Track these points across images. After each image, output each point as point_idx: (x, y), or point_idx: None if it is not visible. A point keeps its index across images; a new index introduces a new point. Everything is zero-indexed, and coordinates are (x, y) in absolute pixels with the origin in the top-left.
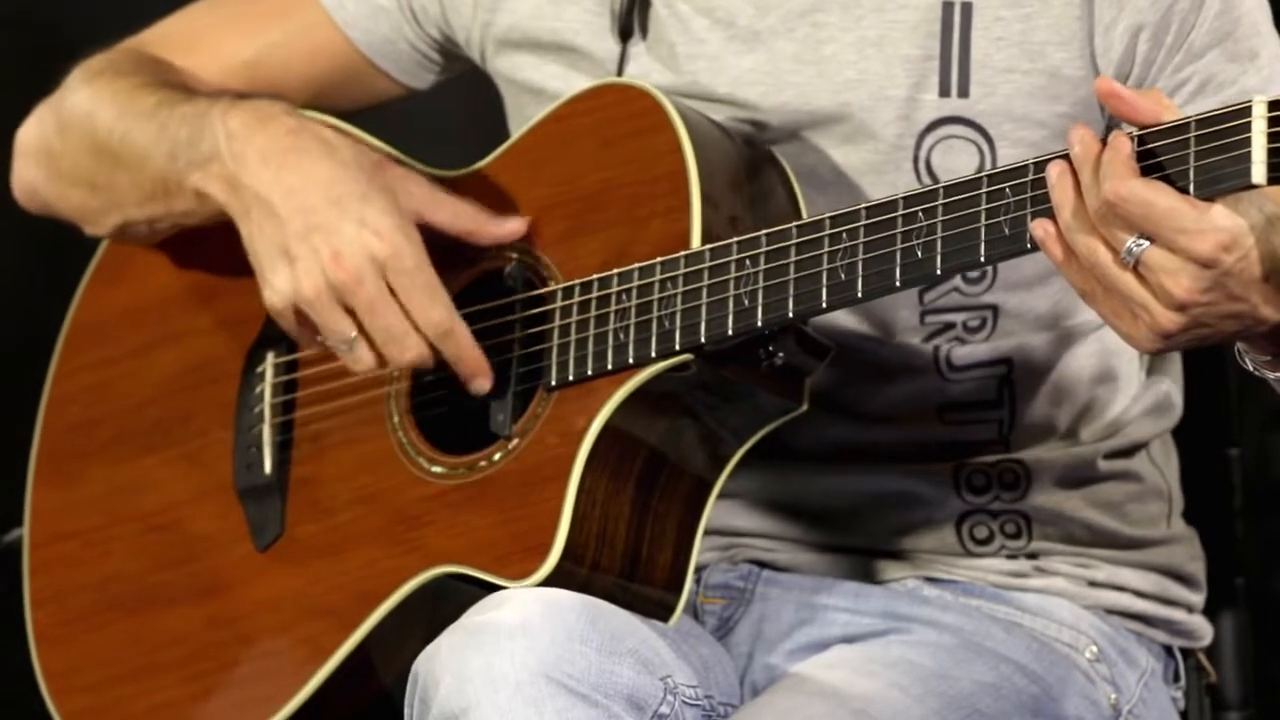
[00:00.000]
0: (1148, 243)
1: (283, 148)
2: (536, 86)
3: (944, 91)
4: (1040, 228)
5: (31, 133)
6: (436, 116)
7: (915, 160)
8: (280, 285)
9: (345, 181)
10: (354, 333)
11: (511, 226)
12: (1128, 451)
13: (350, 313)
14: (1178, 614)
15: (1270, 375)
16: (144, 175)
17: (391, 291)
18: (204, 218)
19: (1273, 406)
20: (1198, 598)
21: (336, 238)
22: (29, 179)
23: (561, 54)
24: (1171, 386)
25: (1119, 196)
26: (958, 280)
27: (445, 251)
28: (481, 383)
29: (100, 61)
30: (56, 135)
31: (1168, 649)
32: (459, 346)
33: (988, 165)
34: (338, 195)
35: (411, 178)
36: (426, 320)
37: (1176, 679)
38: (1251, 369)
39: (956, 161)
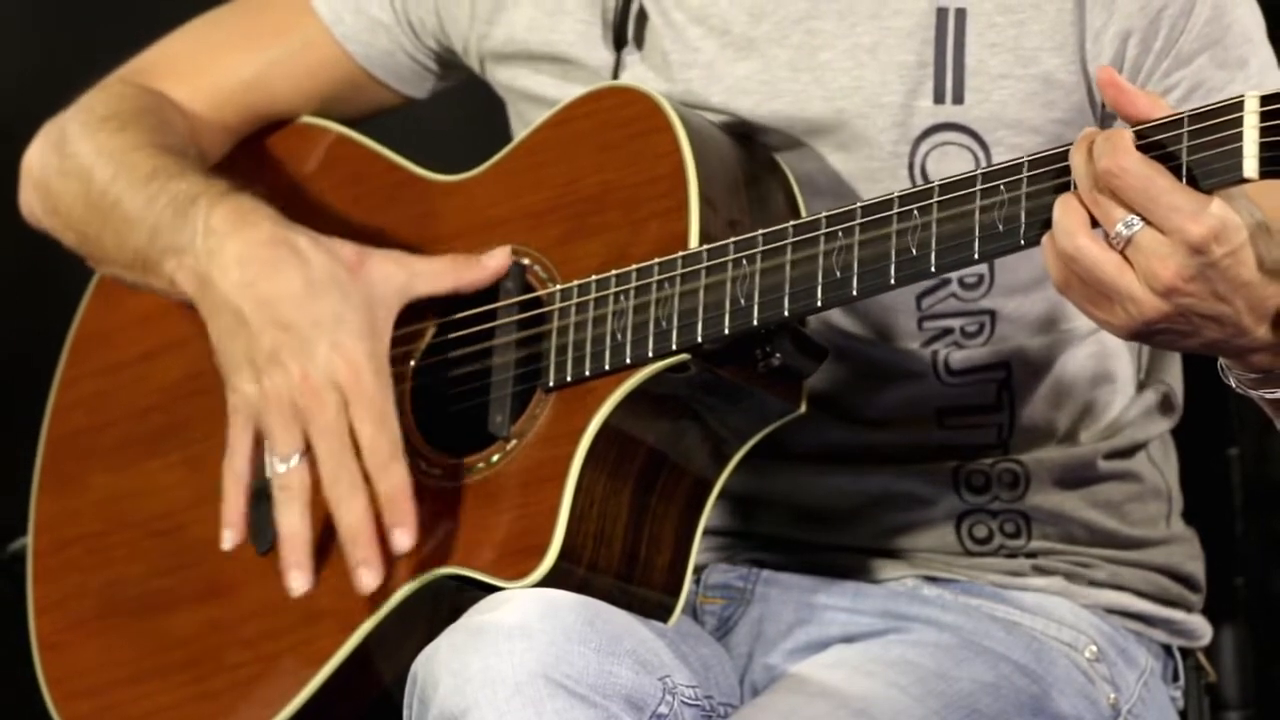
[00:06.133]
0: (1140, 224)
1: (259, 257)
2: (535, 94)
3: (939, 98)
4: None
5: (36, 161)
6: (439, 120)
7: (910, 167)
8: (247, 393)
9: (320, 301)
10: (300, 451)
11: (495, 263)
12: (1127, 452)
13: (303, 433)
14: (1177, 614)
15: (1253, 393)
16: (126, 245)
17: (350, 421)
18: (179, 298)
19: None
20: (1197, 597)
21: (306, 358)
22: (31, 205)
23: (556, 64)
24: (1171, 387)
25: (1120, 167)
26: (955, 286)
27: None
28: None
29: (105, 105)
30: (57, 176)
31: (1167, 648)
32: (392, 485)
33: None
34: (314, 315)
35: (389, 262)
36: (371, 447)
37: (1176, 678)
38: (1234, 386)
39: (952, 168)
